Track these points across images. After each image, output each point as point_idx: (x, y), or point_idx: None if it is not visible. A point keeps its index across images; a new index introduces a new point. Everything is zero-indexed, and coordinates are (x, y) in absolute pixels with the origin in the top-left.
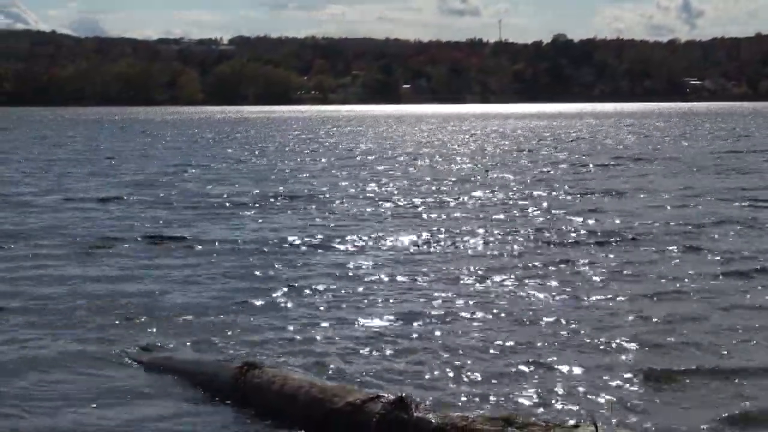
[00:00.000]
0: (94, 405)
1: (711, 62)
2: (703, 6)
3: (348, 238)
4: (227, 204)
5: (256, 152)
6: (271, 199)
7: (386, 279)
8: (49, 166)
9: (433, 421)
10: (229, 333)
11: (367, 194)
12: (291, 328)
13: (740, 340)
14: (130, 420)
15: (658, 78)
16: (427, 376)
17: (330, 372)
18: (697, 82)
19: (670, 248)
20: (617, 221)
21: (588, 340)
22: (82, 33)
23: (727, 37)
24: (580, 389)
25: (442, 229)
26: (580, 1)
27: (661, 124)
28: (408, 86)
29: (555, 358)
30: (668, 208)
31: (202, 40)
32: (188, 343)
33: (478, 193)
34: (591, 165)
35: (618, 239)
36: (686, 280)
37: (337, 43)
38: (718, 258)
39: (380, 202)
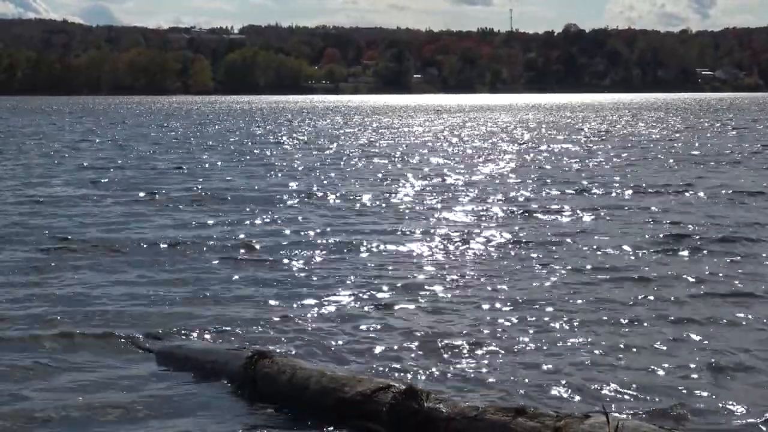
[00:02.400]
0: (104, 392)
1: (722, 52)
2: None
3: (373, 234)
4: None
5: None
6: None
7: (404, 271)
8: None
9: (443, 410)
10: (239, 323)
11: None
12: (302, 318)
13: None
14: (139, 408)
15: (669, 68)
16: (437, 367)
17: (340, 362)
18: (709, 72)
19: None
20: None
21: (598, 332)
22: (92, 21)
23: (738, 27)
24: (591, 380)
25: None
26: None
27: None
28: (419, 76)
29: (567, 350)
30: None
31: (213, 29)
32: (198, 333)
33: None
34: None
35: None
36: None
37: (348, 33)
38: None
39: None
